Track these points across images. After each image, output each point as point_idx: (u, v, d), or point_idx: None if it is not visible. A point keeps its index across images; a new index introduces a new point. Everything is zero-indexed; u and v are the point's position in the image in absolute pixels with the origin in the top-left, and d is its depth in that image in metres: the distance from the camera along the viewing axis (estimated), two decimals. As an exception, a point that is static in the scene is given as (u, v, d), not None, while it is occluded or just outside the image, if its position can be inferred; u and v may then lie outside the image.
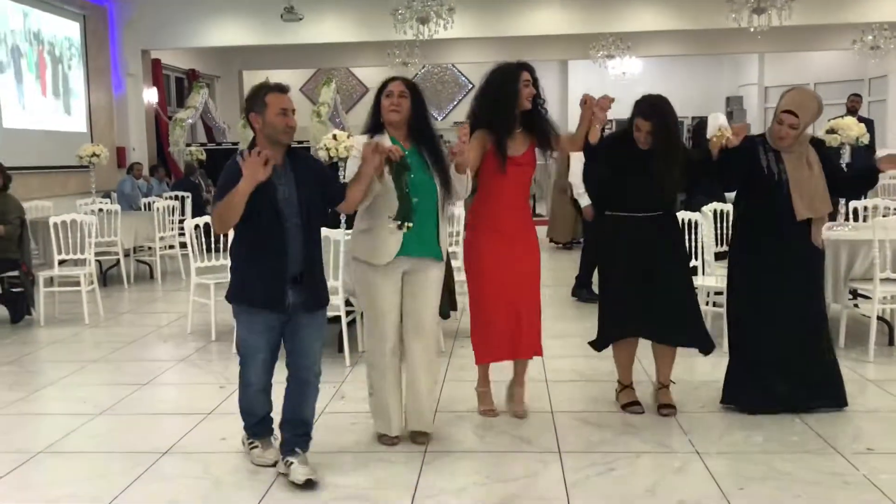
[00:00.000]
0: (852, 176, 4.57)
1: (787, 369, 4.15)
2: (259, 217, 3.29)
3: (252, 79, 17.43)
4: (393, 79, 3.79)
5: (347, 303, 5.49)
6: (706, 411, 4.29)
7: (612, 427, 4.09)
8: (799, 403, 4.17)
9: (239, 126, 13.73)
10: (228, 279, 3.52)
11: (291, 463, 3.45)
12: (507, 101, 3.94)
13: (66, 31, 11.68)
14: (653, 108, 4.00)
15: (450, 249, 6.15)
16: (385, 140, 3.68)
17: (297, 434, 3.54)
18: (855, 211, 7.04)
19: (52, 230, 7.07)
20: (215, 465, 3.67)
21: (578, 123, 4.02)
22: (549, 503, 3.23)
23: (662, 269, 4.09)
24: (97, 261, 8.38)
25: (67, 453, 3.92)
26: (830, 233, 5.56)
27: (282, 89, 3.38)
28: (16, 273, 6.89)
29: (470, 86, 20.11)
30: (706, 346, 4.17)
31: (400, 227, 3.57)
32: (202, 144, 14.12)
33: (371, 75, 18.68)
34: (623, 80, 17.99)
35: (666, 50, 16.55)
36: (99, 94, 12.42)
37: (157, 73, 13.90)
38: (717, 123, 4.11)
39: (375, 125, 3.78)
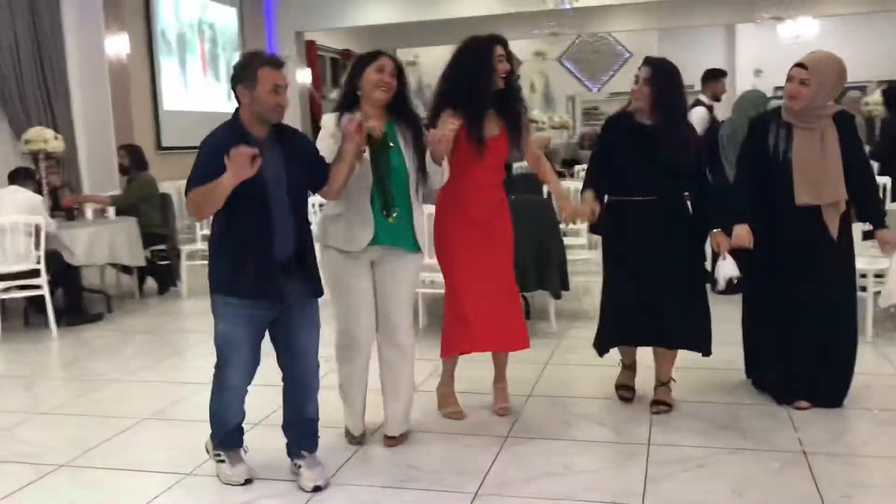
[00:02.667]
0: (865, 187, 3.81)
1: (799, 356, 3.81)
2: (244, 200, 2.95)
3: (405, 57, 17.70)
4: (380, 53, 3.42)
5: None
6: (827, 408, 3.86)
7: (714, 420, 3.78)
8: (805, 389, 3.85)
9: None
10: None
11: (300, 466, 3.26)
12: (481, 80, 3.59)
13: (224, 17, 12.28)
14: (653, 60, 3.72)
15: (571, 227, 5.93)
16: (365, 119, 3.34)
17: (304, 434, 3.31)
18: None
19: (195, 207, 7.47)
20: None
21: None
22: (619, 499, 3.02)
23: (663, 261, 3.71)
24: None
25: (169, 420, 4.11)
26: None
27: (276, 63, 3.03)
28: (162, 247, 7.36)
29: (627, 55, 19.36)
30: (704, 349, 3.82)
31: (386, 216, 3.29)
32: (354, 122, 14.47)
33: (522, 47, 18.39)
34: (797, 43, 16.71)
35: (844, 8, 15.13)
36: (255, 77, 12.98)
37: (311, 54, 14.36)
38: None
39: (351, 101, 3.42)
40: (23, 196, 6.13)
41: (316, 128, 14.70)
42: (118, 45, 9.26)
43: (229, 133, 3.02)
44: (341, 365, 3.57)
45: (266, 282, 3.04)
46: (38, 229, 5.85)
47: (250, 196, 2.96)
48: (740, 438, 3.55)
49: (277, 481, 3.30)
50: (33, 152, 7.21)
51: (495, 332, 3.77)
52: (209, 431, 3.36)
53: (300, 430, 3.30)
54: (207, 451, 3.42)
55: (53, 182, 7.32)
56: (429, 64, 17.13)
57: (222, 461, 3.30)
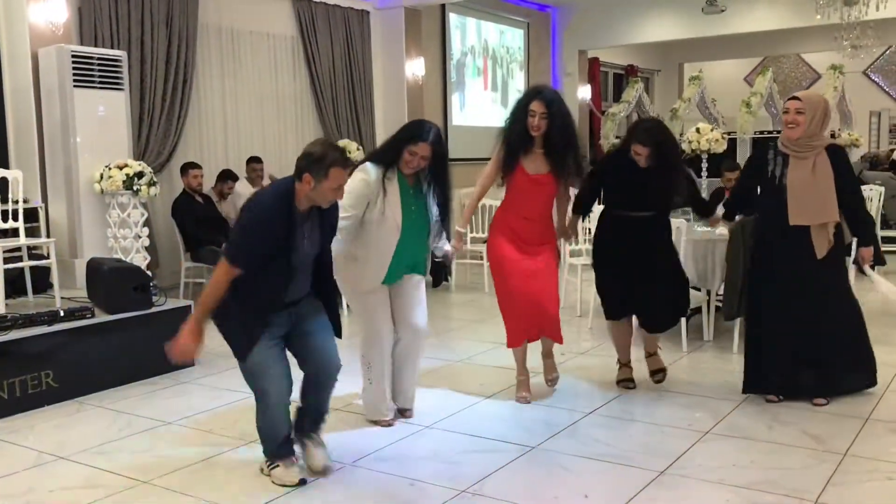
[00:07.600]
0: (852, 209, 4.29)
1: (796, 358, 4.30)
2: (270, 266, 3.24)
3: (692, 71, 17.58)
4: (426, 131, 3.92)
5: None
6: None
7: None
8: (813, 390, 4.31)
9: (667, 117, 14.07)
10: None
11: (306, 444, 3.54)
12: (518, 125, 4.29)
13: (510, 38, 13.23)
14: (648, 133, 4.30)
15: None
16: (393, 180, 3.92)
17: (316, 420, 3.60)
18: None
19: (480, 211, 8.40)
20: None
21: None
22: (796, 494, 3.23)
23: (650, 261, 4.47)
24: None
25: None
26: None
27: (347, 164, 3.29)
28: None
29: (946, 68, 17.50)
30: (663, 328, 4.69)
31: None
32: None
33: (822, 60, 17.43)
34: None
35: None
36: (538, 94, 13.79)
37: (594, 71, 14.90)
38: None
39: (392, 160, 3.95)
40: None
41: (592, 139, 15.17)
42: (415, 67, 10.52)
43: (278, 204, 3.25)
44: (371, 371, 4.15)
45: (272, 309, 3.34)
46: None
47: (277, 265, 3.26)
48: (947, 461, 3.54)
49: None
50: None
51: (542, 324, 4.53)
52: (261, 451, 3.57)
53: (314, 419, 3.59)
54: (262, 471, 3.55)
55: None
56: (713, 79, 16.87)
57: (276, 467, 3.48)
